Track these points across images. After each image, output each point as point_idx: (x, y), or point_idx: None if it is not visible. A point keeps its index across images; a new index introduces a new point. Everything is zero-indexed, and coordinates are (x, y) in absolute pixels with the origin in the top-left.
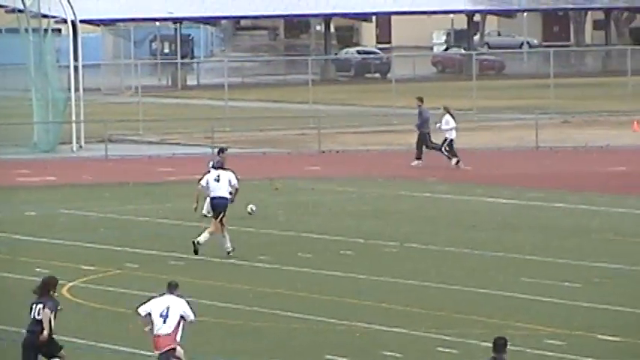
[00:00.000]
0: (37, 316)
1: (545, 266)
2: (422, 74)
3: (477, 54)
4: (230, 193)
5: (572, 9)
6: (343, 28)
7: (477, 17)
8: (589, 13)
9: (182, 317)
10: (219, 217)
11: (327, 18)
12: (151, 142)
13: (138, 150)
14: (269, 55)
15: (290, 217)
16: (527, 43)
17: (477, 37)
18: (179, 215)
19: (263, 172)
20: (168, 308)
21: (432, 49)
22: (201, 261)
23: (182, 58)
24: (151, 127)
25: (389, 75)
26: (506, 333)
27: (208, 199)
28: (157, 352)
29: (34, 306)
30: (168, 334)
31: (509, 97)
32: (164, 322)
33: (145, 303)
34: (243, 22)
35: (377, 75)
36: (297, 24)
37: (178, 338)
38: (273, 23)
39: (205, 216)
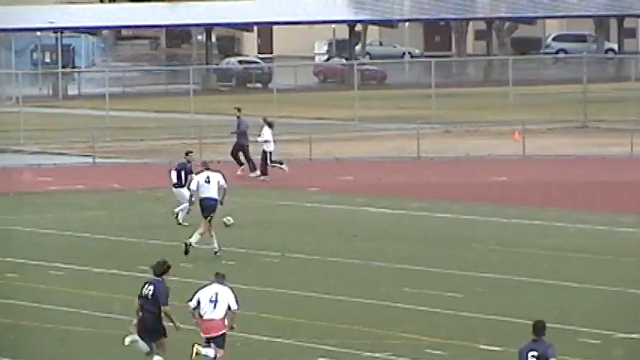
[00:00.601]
0: (149, 295)
1: (428, 276)
2: (303, 84)
3: (358, 64)
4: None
5: (453, 19)
6: (225, 38)
7: (358, 27)
8: (470, 23)
9: (228, 306)
10: (209, 217)
11: (208, 28)
12: (32, 152)
13: (19, 160)
14: (150, 64)
15: (172, 228)
16: (409, 53)
17: (358, 47)
18: (60, 225)
19: (145, 182)
20: (217, 294)
21: (313, 58)
22: (83, 271)
23: (63, 67)
24: (32, 137)
25: (270, 85)
26: (388, 343)
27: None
28: (205, 336)
29: (146, 285)
30: (220, 319)
31: (390, 107)
32: (214, 307)
33: (192, 297)
34: (124, 32)
35: (258, 85)
36: (178, 34)
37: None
38: (154, 33)
39: (180, 224)
